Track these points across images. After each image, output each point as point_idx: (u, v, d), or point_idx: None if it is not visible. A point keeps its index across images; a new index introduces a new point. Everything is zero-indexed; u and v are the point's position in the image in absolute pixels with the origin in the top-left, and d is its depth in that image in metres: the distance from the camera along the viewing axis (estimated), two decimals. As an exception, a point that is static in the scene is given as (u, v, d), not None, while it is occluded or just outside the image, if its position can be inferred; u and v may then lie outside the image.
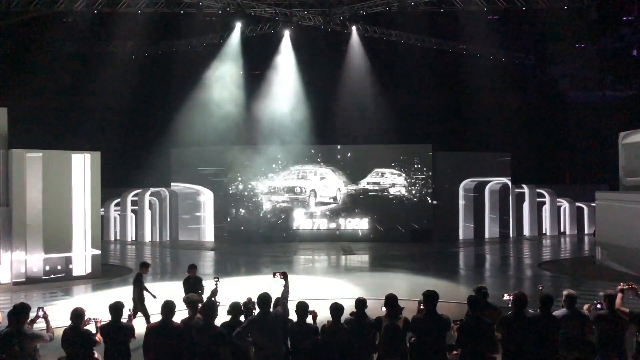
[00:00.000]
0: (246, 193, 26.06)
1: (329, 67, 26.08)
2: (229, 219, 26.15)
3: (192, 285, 10.18)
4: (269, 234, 25.49)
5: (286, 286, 6.71)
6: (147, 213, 26.66)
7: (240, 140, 25.95)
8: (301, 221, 26.01)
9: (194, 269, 10.53)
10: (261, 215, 25.97)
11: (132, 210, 26.71)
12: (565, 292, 6.48)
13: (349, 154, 26.09)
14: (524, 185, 27.37)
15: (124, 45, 26.86)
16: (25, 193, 15.62)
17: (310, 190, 26.12)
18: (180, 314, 6.58)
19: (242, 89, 26.32)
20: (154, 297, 10.23)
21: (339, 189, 26.29)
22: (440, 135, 25.10)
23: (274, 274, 6.97)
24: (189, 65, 26.86)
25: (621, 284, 6.86)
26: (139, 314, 9.99)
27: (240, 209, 26.05)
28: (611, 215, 18.12)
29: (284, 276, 6.84)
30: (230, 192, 26.07)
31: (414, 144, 26.15)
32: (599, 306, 6.47)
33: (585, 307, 6.61)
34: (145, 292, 10.44)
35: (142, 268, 10.70)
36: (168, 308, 6.09)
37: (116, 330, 6.17)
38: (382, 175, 25.95)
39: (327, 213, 26.05)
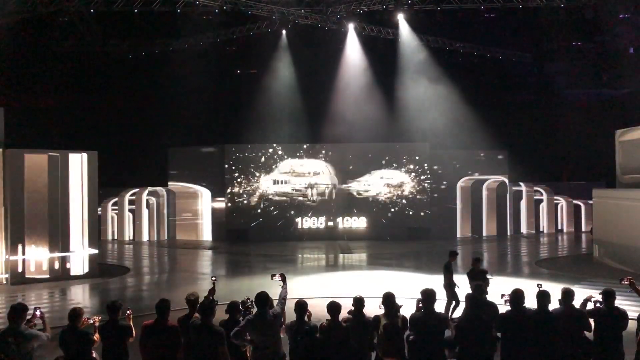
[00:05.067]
0: (245, 192, 26.03)
1: (326, 66, 26.04)
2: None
3: (476, 276, 10.64)
4: (267, 233, 25.47)
5: (284, 287, 6.71)
6: (145, 212, 26.61)
7: (239, 139, 25.94)
8: (301, 220, 25.96)
9: (479, 262, 11.13)
10: (260, 213, 25.97)
11: (130, 210, 26.68)
12: (562, 289, 6.49)
13: (347, 153, 26.10)
14: (521, 183, 27.40)
15: (121, 44, 26.80)
16: (23, 193, 15.59)
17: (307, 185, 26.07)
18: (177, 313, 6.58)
19: (239, 88, 26.29)
20: (457, 286, 10.91)
21: (335, 185, 26.19)
22: (437, 133, 25.10)
23: (272, 276, 6.94)
24: (186, 64, 26.80)
25: (627, 278, 6.87)
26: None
27: (238, 209, 26.03)
28: (608, 213, 18.17)
29: (282, 278, 6.83)
30: (231, 191, 26.04)
31: (412, 142, 26.16)
32: (598, 304, 6.48)
33: (591, 298, 6.62)
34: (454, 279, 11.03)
35: (451, 257, 11.35)
36: (162, 307, 6.08)
37: (114, 329, 6.17)
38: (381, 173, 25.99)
39: (326, 211, 25.99)
